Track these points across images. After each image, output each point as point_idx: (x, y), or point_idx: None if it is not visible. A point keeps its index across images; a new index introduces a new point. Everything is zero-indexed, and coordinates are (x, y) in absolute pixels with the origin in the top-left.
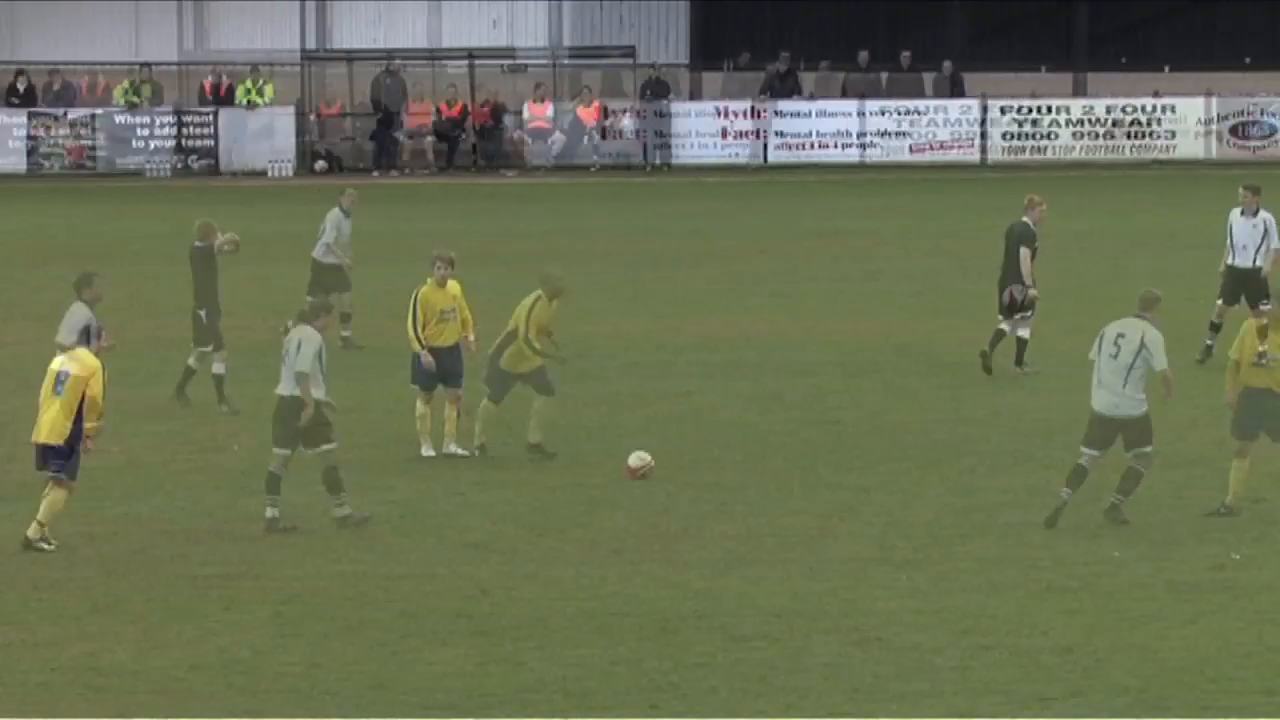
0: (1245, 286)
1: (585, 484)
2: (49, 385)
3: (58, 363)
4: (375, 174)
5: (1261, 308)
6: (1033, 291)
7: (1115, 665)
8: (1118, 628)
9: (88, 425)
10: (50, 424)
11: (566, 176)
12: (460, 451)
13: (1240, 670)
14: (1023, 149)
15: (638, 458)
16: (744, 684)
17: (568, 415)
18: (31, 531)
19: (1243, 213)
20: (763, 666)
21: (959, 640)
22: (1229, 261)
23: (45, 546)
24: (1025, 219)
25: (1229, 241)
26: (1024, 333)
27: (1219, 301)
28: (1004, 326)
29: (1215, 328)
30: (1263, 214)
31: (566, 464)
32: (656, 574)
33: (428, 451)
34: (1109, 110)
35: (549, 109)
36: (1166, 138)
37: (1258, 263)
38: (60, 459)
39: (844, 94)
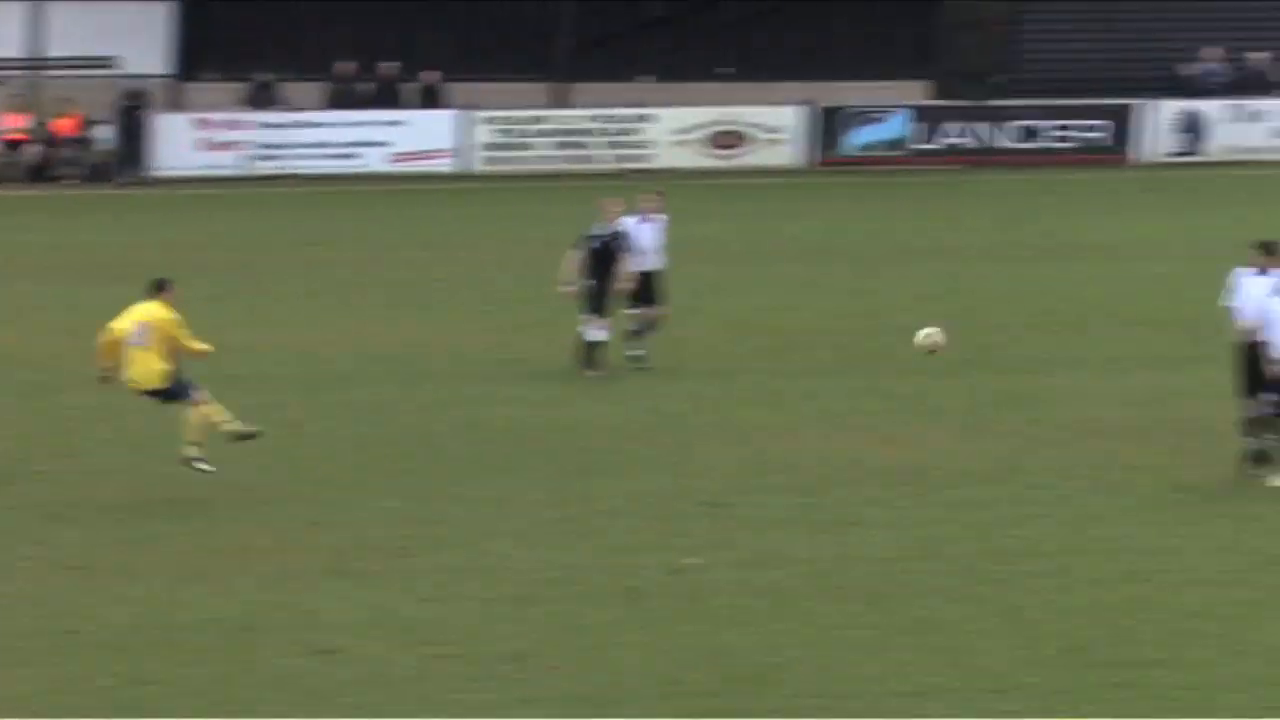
0: (651, 287)
1: (42, 502)
2: None
3: None
4: None
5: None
6: (569, 288)
7: (567, 673)
8: (573, 635)
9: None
10: None
11: (42, 189)
12: None
13: (691, 673)
14: (505, 159)
15: None
16: (195, 698)
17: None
18: None
19: (642, 220)
20: (216, 679)
21: (415, 649)
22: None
23: None
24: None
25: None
26: (598, 335)
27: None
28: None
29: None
30: (660, 216)
31: (22, 484)
32: (114, 589)
33: None
34: (594, 120)
35: (26, 120)
36: (649, 147)
37: (657, 265)
38: None
39: (329, 105)
